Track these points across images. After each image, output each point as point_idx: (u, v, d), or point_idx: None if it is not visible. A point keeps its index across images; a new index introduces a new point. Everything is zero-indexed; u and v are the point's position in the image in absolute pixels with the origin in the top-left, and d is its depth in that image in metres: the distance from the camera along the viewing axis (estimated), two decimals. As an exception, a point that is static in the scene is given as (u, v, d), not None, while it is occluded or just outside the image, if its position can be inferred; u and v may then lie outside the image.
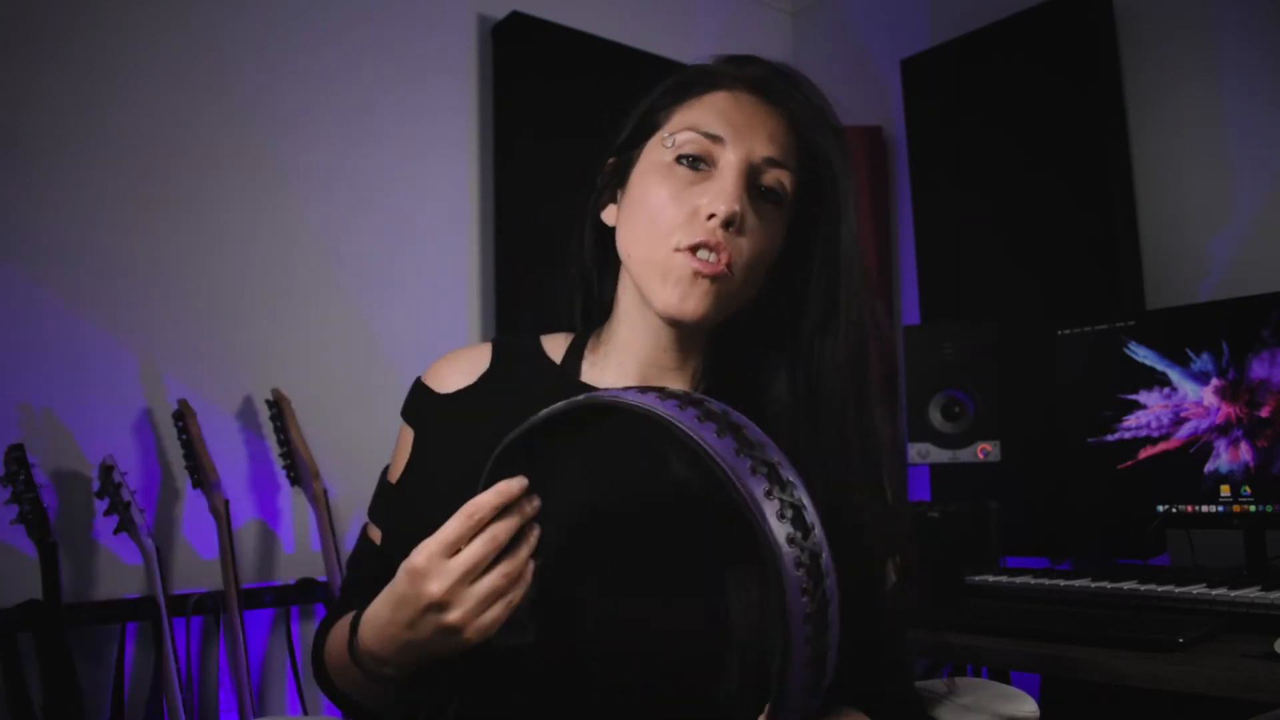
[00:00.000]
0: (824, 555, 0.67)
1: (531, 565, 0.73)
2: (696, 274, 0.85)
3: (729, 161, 0.87)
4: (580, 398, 0.72)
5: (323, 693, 0.91)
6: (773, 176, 0.88)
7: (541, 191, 2.35)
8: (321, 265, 2.21)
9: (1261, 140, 2.09)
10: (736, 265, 0.87)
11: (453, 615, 0.70)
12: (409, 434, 0.97)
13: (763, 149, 0.88)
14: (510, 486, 0.71)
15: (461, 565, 0.70)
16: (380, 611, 0.76)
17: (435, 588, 0.70)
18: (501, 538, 0.71)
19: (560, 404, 0.72)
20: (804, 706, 0.66)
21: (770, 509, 0.65)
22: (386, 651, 0.76)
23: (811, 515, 0.67)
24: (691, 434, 0.67)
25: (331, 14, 2.26)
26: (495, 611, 0.71)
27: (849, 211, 0.90)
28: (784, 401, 0.90)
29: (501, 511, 0.72)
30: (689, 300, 0.86)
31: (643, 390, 0.71)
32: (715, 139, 0.87)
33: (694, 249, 0.85)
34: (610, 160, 0.96)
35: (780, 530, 0.65)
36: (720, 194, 0.85)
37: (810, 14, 3.12)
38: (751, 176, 0.88)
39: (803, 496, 0.67)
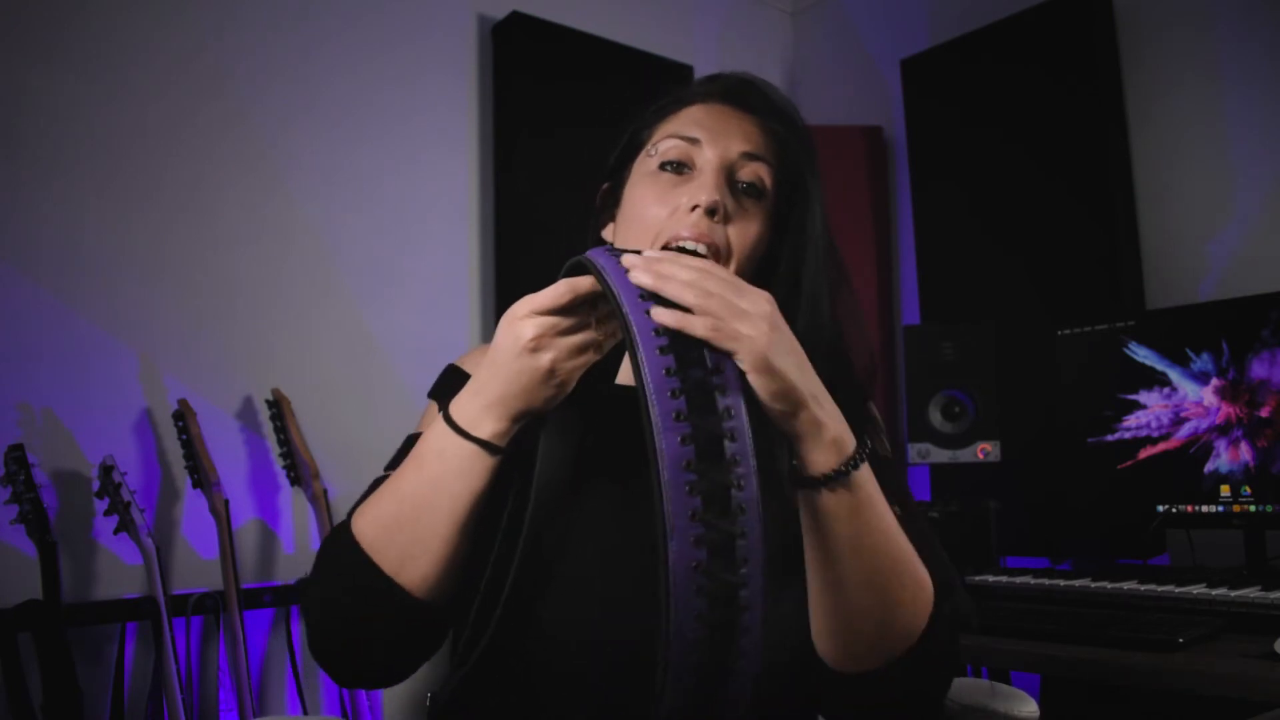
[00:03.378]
0: (740, 496, 0.61)
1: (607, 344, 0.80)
2: None
3: (707, 159, 0.92)
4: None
5: (327, 616, 0.84)
6: (751, 171, 0.93)
7: (541, 191, 2.36)
8: (321, 265, 2.21)
9: (1261, 140, 2.09)
10: (727, 254, 0.90)
11: (545, 357, 0.77)
12: (434, 409, 0.99)
13: (739, 145, 0.93)
14: (593, 283, 0.76)
15: (558, 322, 0.77)
16: (479, 375, 0.81)
17: (528, 331, 0.76)
18: (596, 314, 0.78)
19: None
20: (698, 690, 0.61)
21: (666, 407, 0.61)
22: (480, 402, 0.80)
23: (738, 449, 0.62)
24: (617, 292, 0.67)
25: (332, 13, 2.26)
26: (584, 358, 0.78)
27: (816, 202, 0.94)
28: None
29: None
30: None
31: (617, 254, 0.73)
32: (693, 141, 0.93)
33: (675, 242, 0.88)
34: (604, 186, 1.02)
35: (674, 450, 0.60)
36: (701, 187, 0.90)
37: (810, 14, 3.12)
38: (730, 173, 0.92)
39: (731, 426, 0.62)
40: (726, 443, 0.62)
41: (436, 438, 0.82)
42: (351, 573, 0.82)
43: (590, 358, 0.79)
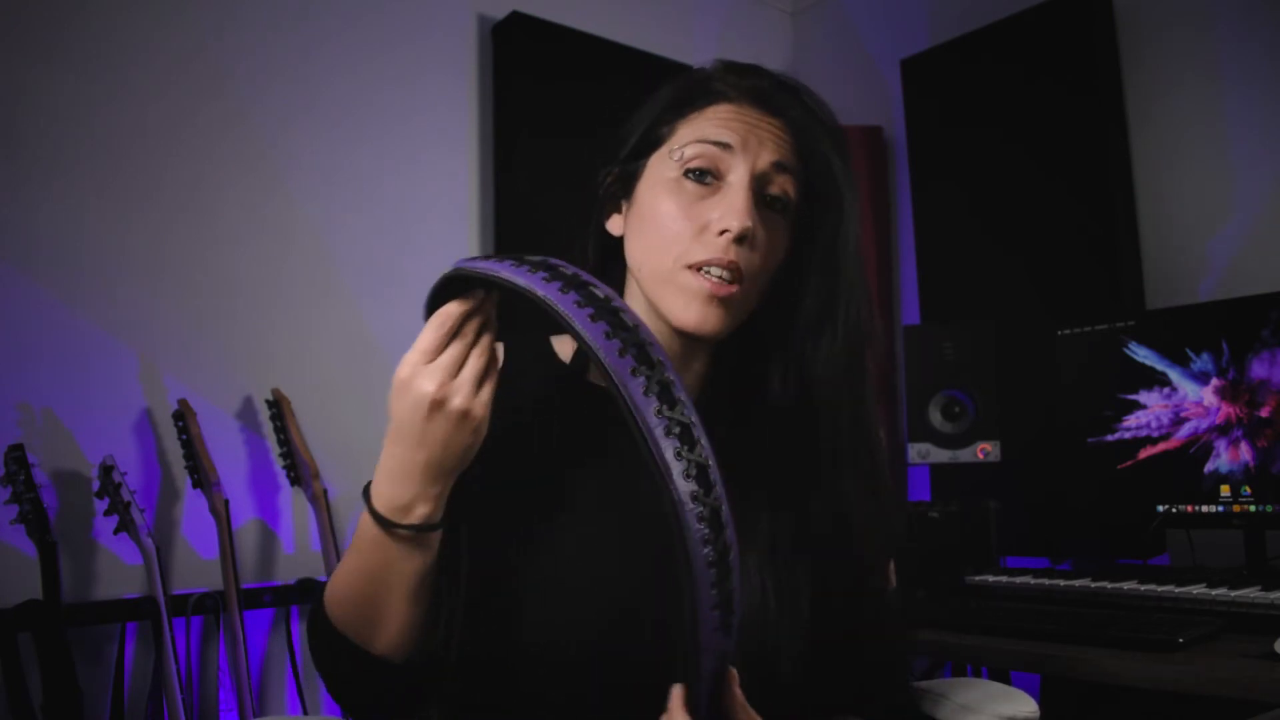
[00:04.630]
0: (715, 477, 0.68)
1: (501, 346, 0.79)
2: (711, 295, 0.86)
3: (738, 175, 0.87)
4: (453, 270, 0.77)
5: (322, 670, 0.89)
6: (778, 184, 0.89)
7: (541, 191, 2.36)
8: (321, 265, 2.21)
9: (1261, 140, 2.09)
10: (750, 278, 0.88)
11: (455, 403, 0.75)
12: None
13: (769, 154, 0.88)
14: (468, 303, 0.77)
15: (446, 360, 0.75)
16: (387, 454, 0.79)
17: (429, 386, 0.74)
18: (469, 334, 0.77)
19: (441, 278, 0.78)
20: (718, 644, 0.68)
21: (659, 426, 0.67)
22: (409, 484, 0.77)
23: (705, 448, 0.67)
24: (573, 321, 0.69)
25: (331, 13, 2.26)
26: (488, 389, 0.77)
27: (850, 219, 0.91)
28: (778, 402, 0.90)
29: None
30: (708, 320, 0.87)
31: (519, 263, 0.74)
32: (723, 146, 0.88)
33: (703, 266, 0.86)
34: (614, 171, 0.96)
35: (670, 449, 0.67)
36: (731, 209, 0.86)
37: (810, 14, 3.12)
38: (759, 187, 0.88)
39: (690, 415, 0.68)
40: (674, 386, 0.69)
41: (369, 527, 0.80)
42: (330, 643, 0.86)
43: (491, 386, 0.77)
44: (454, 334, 0.76)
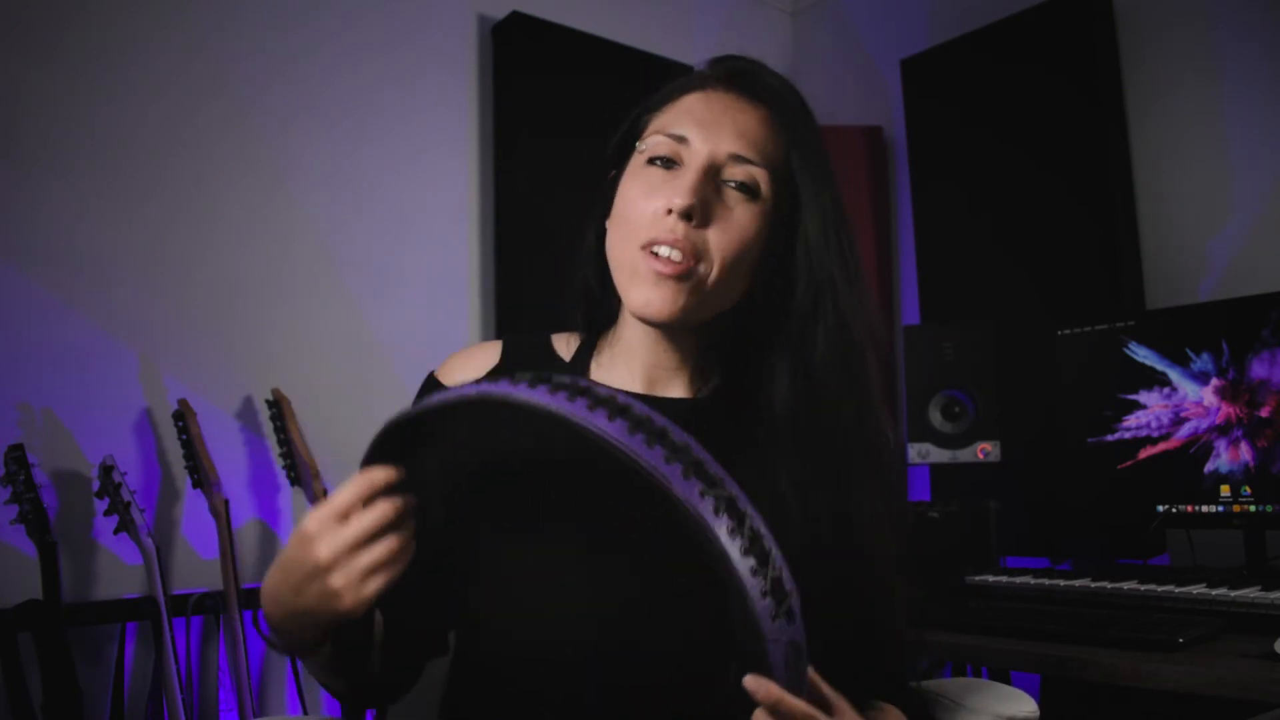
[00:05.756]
0: (764, 533, 0.65)
1: (412, 545, 0.73)
2: (659, 275, 0.86)
3: (694, 158, 0.88)
4: (471, 392, 0.67)
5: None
6: (742, 171, 0.88)
7: (541, 191, 2.36)
8: (321, 265, 2.21)
9: (1261, 140, 2.09)
10: (707, 259, 0.87)
11: (336, 580, 0.70)
12: None
13: (729, 145, 0.88)
14: (396, 473, 0.72)
15: (351, 533, 0.70)
16: (272, 577, 0.75)
17: (324, 552, 0.70)
18: (389, 513, 0.71)
19: (453, 395, 0.68)
20: (781, 633, 0.66)
21: (721, 524, 0.64)
22: (276, 617, 0.75)
23: (745, 507, 0.64)
24: (606, 436, 0.63)
25: (332, 13, 2.26)
26: (376, 582, 0.71)
27: (824, 203, 0.90)
28: (782, 400, 0.90)
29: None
30: (653, 303, 0.87)
31: (535, 383, 0.66)
32: (680, 139, 0.89)
33: (653, 244, 0.86)
34: (611, 174, 0.97)
35: (722, 529, 0.63)
36: (678, 188, 0.86)
37: (810, 14, 3.12)
38: (715, 171, 0.88)
39: (734, 490, 0.65)
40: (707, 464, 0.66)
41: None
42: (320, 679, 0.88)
43: (382, 580, 0.71)
44: (371, 498, 0.71)
